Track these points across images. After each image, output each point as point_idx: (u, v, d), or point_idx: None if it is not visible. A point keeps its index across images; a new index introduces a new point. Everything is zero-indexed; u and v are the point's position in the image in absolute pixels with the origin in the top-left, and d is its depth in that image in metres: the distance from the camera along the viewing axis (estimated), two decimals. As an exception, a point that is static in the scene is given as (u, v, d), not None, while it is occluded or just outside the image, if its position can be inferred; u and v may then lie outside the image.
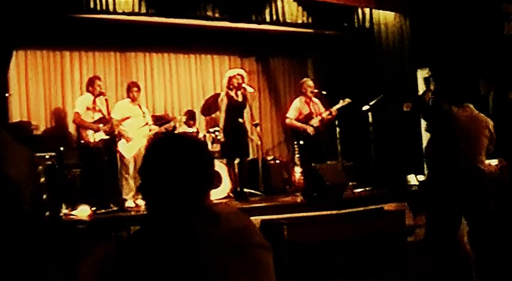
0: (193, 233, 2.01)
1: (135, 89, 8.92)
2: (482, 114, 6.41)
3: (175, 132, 9.36)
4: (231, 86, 8.81)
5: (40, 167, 3.06)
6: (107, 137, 8.39)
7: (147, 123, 8.89)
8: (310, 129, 9.12)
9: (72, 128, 9.54)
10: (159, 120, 9.47)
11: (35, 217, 2.84)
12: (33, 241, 2.74)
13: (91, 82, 8.58)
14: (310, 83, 9.42)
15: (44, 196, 3.15)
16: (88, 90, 8.56)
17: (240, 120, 8.84)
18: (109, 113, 8.48)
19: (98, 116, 8.43)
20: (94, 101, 8.45)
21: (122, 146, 8.60)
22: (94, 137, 8.31)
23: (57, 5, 8.41)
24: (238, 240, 2.02)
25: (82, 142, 8.37)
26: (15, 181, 2.70)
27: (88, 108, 8.41)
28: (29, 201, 2.76)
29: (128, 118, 8.63)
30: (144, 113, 8.95)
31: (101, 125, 8.36)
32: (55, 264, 2.72)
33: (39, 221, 2.94)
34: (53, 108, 10.14)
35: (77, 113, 8.47)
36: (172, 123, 9.27)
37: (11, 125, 8.63)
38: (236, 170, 8.97)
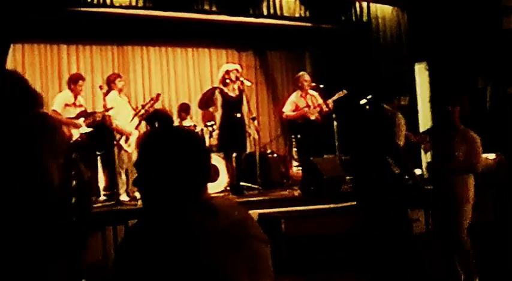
0: (191, 226, 2.01)
1: (119, 79, 8.81)
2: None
3: (173, 124, 9.33)
4: (227, 80, 8.76)
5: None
6: (90, 129, 8.29)
7: (136, 113, 8.72)
8: (309, 113, 9.10)
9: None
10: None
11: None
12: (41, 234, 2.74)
13: (74, 80, 8.40)
14: (307, 77, 9.39)
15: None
16: (69, 88, 8.38)
17: (237, 115, 8.79)
18: (105, 107, 8.41)
19: (78, 111, 8.33)
20: (75, 97, 8.33)
21: (124, 141, 8.54)
22: (75, 132, 8.21)
23: (55, -1, 8.41)
24: (236, 233, 2.02)
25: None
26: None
27: (67, 105, 8.27)
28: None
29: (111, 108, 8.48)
30: (129, 103, 8.91)
31: (81, 119, 8.25)
32: (54, 257, 2.72)
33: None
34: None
35: (54, 110, 8.18)
36: (149, 101, 9.09)
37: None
38: (233, 164, 8.96)
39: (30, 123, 2.89)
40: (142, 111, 8.73)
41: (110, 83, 8.75)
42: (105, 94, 8.57)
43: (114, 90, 8.68)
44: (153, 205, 2.14)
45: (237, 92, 8.79)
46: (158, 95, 9.32)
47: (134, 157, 8.24)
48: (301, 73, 9.61)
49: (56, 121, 2.93)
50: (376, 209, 6.15)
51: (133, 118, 8.64)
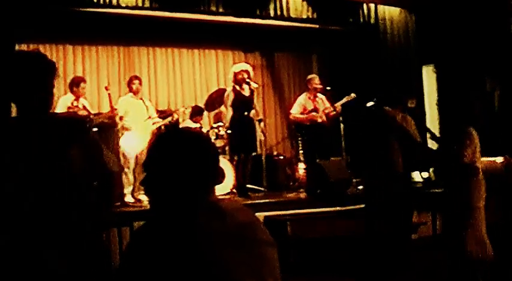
0: (198, 228, 2.01)
1: (137, 81, 8.86)
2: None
3: (180, 126, 9.33)
4: (237, 82, 8.73)
5: None
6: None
7: (150, 117, 8.81)
8: (317, 116, 9.06)
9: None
10: (162, 114, 9.41)
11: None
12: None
13: (76, 83, 8.50)
14: (318, 80, 9.39)
15: None
16: (71, 91, 8.47)
17: (247, 114, 8.74)
18: (112, 108, 8.44)
19: (82, 113, 8.42)
20: (77, 100, 8.41)
21: (124, 141, 8.53)
22: None
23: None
24: (243, 235, 2.02)
25: None
26: None
27: (69, 108, 8.35)
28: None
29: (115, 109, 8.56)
30: (147, 106, 8.89)
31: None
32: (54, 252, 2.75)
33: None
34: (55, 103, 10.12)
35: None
36: (175, 116, 9.19)
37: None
38: (240, 165, 8.92)
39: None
40: (158, 119, 8.85)
41: (129, 84, 8.87)
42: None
43: (130, 92, 8.76)
44: (160, 207, 2.15)
45: (248, 93, 8.74)
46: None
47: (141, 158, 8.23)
48: (312, 76, 9.61)
49: None
50: (383, 212, 6.08)
51: (147, 119, 8.68)
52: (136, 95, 8.81)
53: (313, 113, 9.15)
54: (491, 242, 5.37)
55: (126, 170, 8.47)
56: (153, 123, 8.80)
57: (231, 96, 8.67)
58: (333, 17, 10.54)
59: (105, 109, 9.20)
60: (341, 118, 9.52)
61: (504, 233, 6.38)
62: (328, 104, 9.26)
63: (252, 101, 8.77)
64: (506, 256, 5.97)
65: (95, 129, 8.27)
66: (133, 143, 8.52)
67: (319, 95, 9.33)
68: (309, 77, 9.59)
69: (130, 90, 8.79)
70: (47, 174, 2.72)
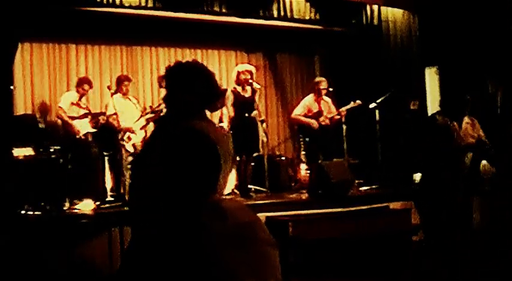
0: (202, 229, 1.99)
1: (127, 82, 8.91)
2: None
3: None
4: (239, 82, 8.73)
5: None
6: (94, 130, 8.58)
7: (142, 115, 8.79)
8: (314, 124, 9.08)
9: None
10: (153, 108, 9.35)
11: None
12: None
13: (78, 83, 8.81)
14: (325, 84, 9.42)
15: None
16: (77, 91, 8.72)
17: (248, 115, 8.72)
18: (114, 109, 8.49)
19: (83, 112, 8.57)
20: (80, 98, 8.67)
21: (126, 140, 8.56)
22: (80, 130, 8.49)
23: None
24: (244, 235, 2.03)
25: (70, 136, 8.54)
26: None
27: (73, 104, 8.49)
28: None
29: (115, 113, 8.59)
30: (134, 104, 8.95)
31: (85, 119, 8.45)
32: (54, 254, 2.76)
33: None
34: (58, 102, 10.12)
35: (61, 107, 8.64)
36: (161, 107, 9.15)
37: (15, 117, 8.60)
38: (242, 166, 8.91)
39: None
40: (151, 114, 8.79)
41: (119, 84, 8.96)
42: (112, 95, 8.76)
43: (119, 93, 8.79)
44: (163, 206, 2.11)
45: (249, 93, 8.73)
46: None
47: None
48: (321, 79, 9.64)
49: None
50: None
51: (138, 119, 8.66)
52: (125, 96, 8.88)
53: (312, 121, 9.16)
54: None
55: (125, 171, 8.49)
56: (146, 120, 8.76)
57: (231, 98, 8.67)
58: (336, 18, 10.52)
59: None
60: (343, 119, 9.52)
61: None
62: (333, 108, 9.31)
63: (253, 102, 8.76)
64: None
65: (93, 130, 8.44)
66: (130, 142, 8.55)
67: (325, 97, 9.37)
68: (317, 79, 9.64)
69: (120, 90, 8.83)
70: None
